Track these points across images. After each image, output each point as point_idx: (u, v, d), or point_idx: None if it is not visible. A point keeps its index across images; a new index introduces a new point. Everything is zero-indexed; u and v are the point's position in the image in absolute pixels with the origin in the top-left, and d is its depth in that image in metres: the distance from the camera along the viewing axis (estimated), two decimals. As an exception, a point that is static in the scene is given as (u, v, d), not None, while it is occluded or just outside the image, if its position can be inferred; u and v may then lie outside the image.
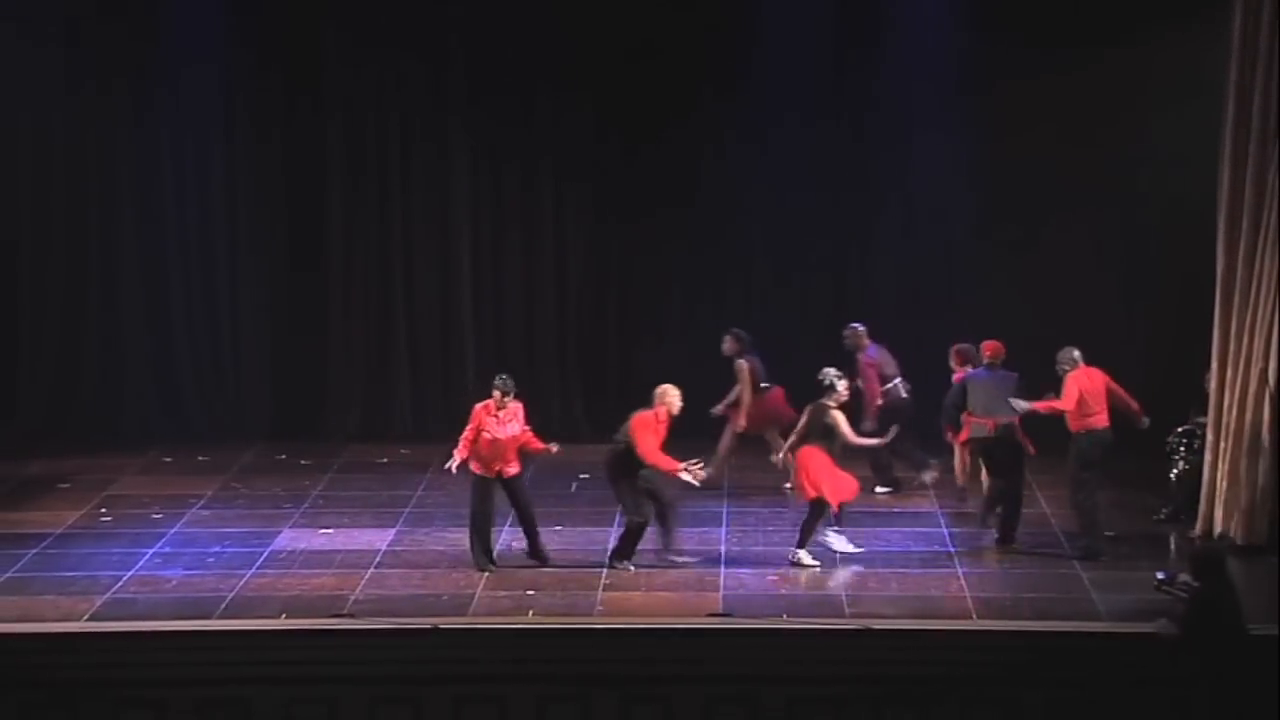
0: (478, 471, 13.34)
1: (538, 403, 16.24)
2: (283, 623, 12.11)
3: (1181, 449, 14.33)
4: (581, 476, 15.75)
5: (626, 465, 13.34)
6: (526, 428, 13.50)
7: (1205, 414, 13.96)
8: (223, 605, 12.51)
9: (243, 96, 17.08)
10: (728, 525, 14.37)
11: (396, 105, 17.12)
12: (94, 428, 17.04)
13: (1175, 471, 14.37)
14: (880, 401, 14.98)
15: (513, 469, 13.42)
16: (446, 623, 12.04)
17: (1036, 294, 16.63)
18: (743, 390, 15.08)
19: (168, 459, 16.49)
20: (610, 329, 17.37)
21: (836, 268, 17.22)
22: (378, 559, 13.56)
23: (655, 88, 16.85)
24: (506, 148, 17.20)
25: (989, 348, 14.24)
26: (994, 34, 16.44)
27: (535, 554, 13.43)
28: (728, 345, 15.25)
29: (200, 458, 16.46)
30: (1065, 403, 13.53)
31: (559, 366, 17.05)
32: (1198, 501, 13.92)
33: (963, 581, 12.97)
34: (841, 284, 17.19)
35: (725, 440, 15.25)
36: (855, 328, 15.26)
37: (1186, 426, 14.36)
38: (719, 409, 15.24)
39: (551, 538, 14.05)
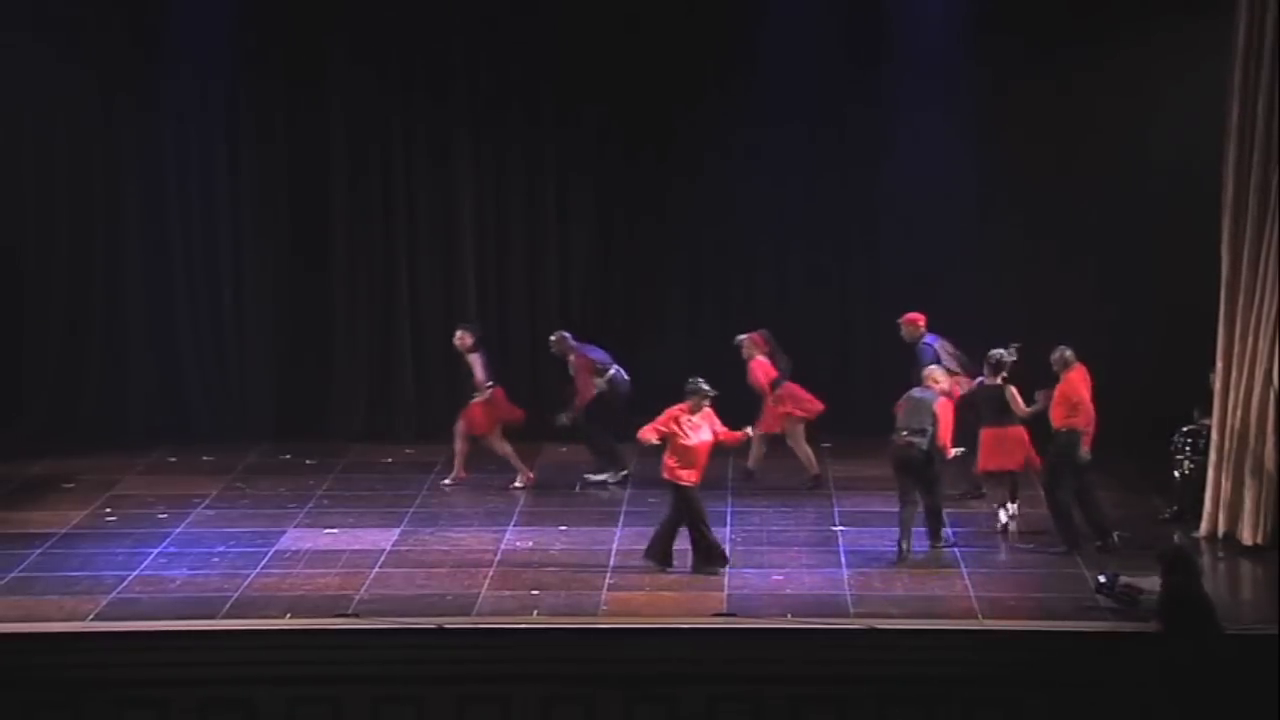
0: (685, 480, 13.13)
1: (541, 401, 16.31)
2: (287, 623, 12.10)
3: (1186, 449, 14.29)
4: (585, 476, 15.73)
5: (930, 454, 13.42)
6: (722, 429, 13.39)
7: (1210, 414, 13.95)
8: (227, 605, 12.50)
9: (246, 96, 17.07)
10: (732, 525, 14.36)
11: (400, 105, 17.11)
12: (98, 428, 17.04)
13: (1180, 471, 14.35)
14: (594, 393, 15.34)
15: (697, 477, 13.27)
16: (451, 622, 12.02)
17: (1040, 293, 16.61)
18: (481, 385, 15.26)
19: (172, 459, 16.49)
20: (614, 328, 17.34)
21: (840, 265, 17.19)
22: (382, 559, 13.55)
23: (659, 87, 16.84)
24: (510, 147, 17.18)
25: (920, 318, 14.84)
26: (997, 35, 16.42)
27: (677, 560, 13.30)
28: (461, 338, 15.37)
29: (205, 458, 16.45)
30: (1055, 407, 13.57)
31: (562, 365, 16.97)
32: (1202, 501, 13.90)
33: (967, 581, 12.95)
34: (844, 281, 17.16)
35: (459, 442, 15.40)
36: (562, 335, 15.60)
37: (1191, 426, 14.34)
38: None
39: (556, 537, 14.06)
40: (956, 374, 14.49)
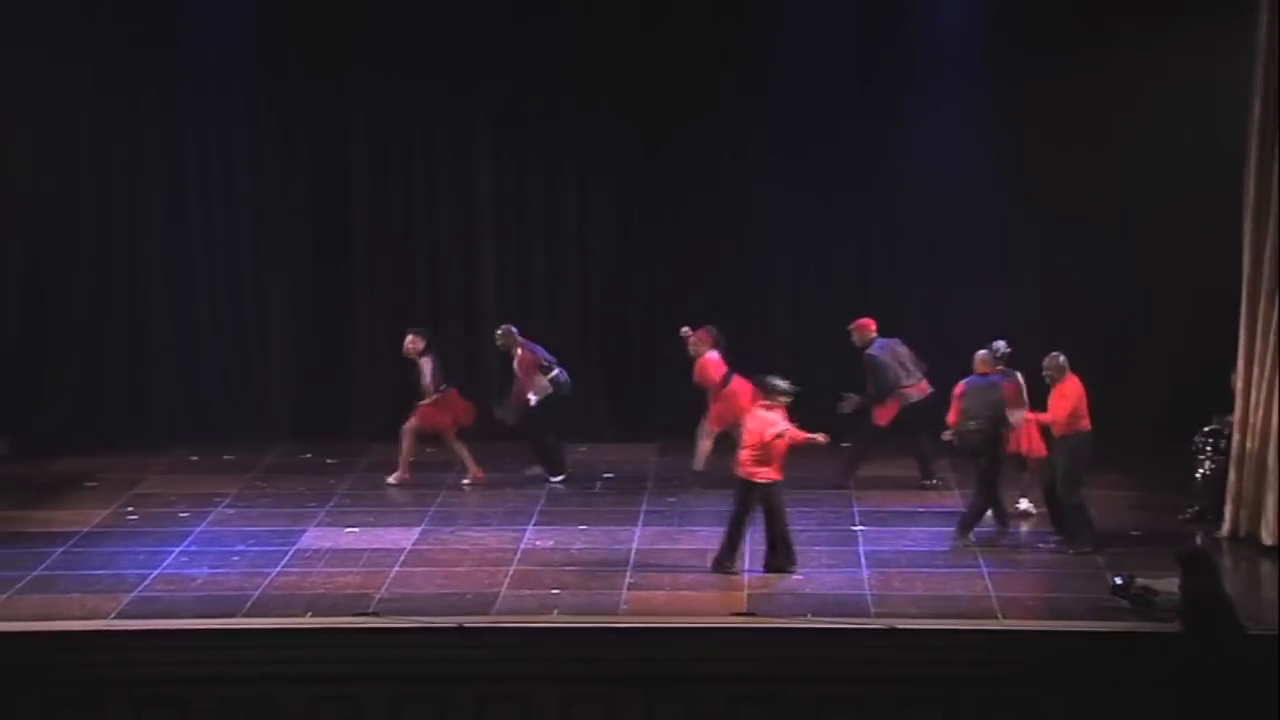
0: (760, 478, 13.00)
1: (559, 406, 16.32)
2: (307, 621, 12.09)
3: (1208, 449, 14.22)
4: (605, 476, 15.71)
5: (998, 438, 13.66)
6: (794, 429, 13.29)
7: (1231, 413, 13.87)
8: (248, 604, 12.50)
9: (267, 99, 17.08)
10: (754, 525, 14.30)
11: (420, 108, 17.10)
12: (120, 427, 17.05)
13: (1201, 471, 14.27)
14: (536, 389, 15.35)
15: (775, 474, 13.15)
16: (471, 621, 11.99)
17: (1061, 293, 16.51)
18: (428, 388, 15.33)
19: (194, 458, 16.50)
20: (633, 328, 17.34)
21: (859, 268, 17.09)
22: (402, 558, 13.53)
23: (678, 88, 16.77)
24: (530, 150, 17.15)
25: (870, 323, 15.02)
26: (1016, 40, 16.30)
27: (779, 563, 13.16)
28: (412, 343, 15.42)
29: (226, 456, 16.45)
30: (1055, 413, 13.50)
31: (582, 366, 16.98)
32: (1224, 501, 13.82)
33: (987, 581, 12.89)
34: (864, 283, 17.05)
35: (407, 440, 15.49)
36: (509, 329, 15.60)
37: (1212, 426, 14.28)
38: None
39: (576, 536, 14.03)
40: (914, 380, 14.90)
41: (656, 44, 16.68)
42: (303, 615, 12.19)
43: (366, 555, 13.59)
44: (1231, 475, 13.73)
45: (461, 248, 17.30)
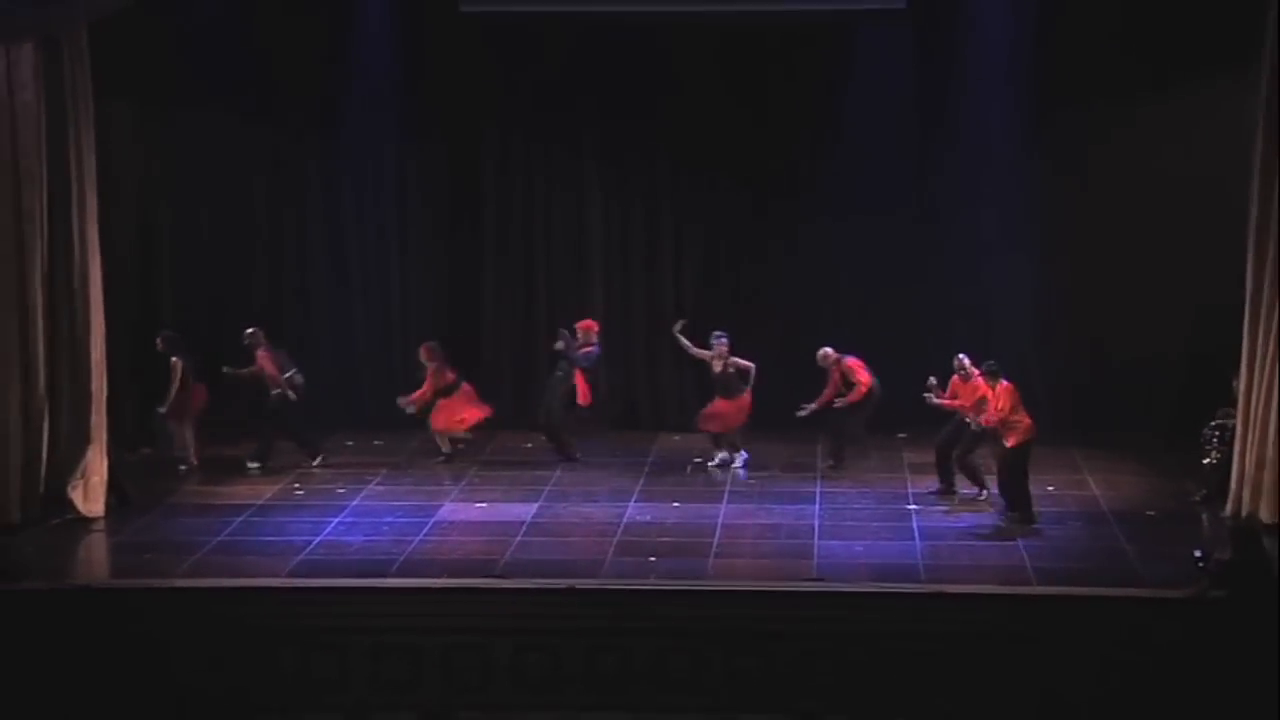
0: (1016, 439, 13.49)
1: (657, 401, 16.53)
2: (444, 581, 12.28)
3: (1215, 440, 14.21)
4: (696, 460, 15.87)
5: None
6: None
7: (1234, 409, 13.85)
8: (395, 566, 12.71)
9: (420, 145, 17.27)
10: (821, 503, 14.41)
11: (541, 160, 17.25)
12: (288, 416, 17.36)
13: (1209, 460, 14.26)
14: (281, 389, 15.50)
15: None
16: (581, 583, 12.14)
17: (1093, 313, 16.45)
18: (173, 384, 15.40)
19: (349, 443, 16.71)
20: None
21: (916, 300, 16.87)
22: (524, 528, 13.71)
23: (763, 148, 16.79)
24: (633, 194, 17.27)
25: (594, 325, 15.72)
26: (1059, 93, 16.15)
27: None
28: (161, 344, 15.49)
29: (376, 442, 16.66)
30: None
31: (674, 370, 17.20)
32: (1229, 485, 13.79)
33: (1023, 553, 12.95)
34: (919, 313, 16.81)
35: (181, 431, 15.65)
36: (257, 331, 15.65)
37: (1218, 421, 14.27)
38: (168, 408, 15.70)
39: (671, 512, 14.16)
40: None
41: (743, 105, 16.71)
42: (440, 577, 12.39)
43: (493, 526, 13.76)
44: (1235, 462, 13.67)
45: (574, 279, 17.41)
